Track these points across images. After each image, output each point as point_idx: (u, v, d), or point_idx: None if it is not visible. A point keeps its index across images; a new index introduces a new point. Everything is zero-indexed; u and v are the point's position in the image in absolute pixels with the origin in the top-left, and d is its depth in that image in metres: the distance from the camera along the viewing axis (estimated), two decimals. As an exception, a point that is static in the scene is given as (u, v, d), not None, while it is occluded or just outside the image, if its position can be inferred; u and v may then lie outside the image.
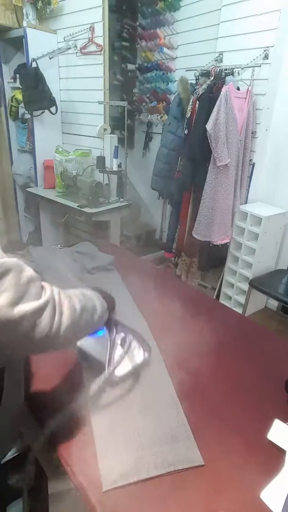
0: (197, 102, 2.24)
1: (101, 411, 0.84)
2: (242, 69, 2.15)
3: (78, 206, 2.59)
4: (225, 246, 2.48)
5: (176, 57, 2.97)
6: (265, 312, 2.67)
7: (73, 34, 2.66)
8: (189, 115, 2.32)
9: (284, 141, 2.32)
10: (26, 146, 3.26)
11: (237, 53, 2.28)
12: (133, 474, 0.70)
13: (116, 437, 0.78)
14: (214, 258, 2.61)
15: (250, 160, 2.39)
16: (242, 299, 2.48)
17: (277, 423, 0.82)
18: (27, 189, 3.10)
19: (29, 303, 0.56)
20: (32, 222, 3.66)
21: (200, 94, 2.24)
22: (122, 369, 0.90)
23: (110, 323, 0.91)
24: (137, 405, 0.86)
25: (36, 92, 2.67)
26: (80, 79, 2.82)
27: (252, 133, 2.32)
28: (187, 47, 2.85)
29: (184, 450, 0.75)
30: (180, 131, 2.47)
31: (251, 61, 2.16)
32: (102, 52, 2.56)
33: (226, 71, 2.22)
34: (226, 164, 2.16)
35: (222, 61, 2.38)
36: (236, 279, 2.51)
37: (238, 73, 2.17)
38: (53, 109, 2.77)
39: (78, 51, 2.70)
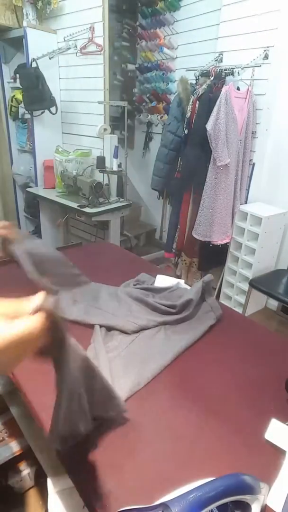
0: (197, 102, 2.25)
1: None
2: (242, 69, 2.16)
3: (78, 206, 2.59)
4: (225, 246, 2.48)
5: (176, 57, 2.98)
6: (265, 312, 2.67)
7: (73, 34, 2.66)
8: (189, 115, 2.32)
9: (284, 141, 2.33)
10: (26, 146, 3.27)
11: (237, 53, 2.28)
12: None
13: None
14: (214, 258, 2.61)
15: (250, 160, 2.40)
16: (242, 299, 2.48)
17: (274, 423, 0.82)
18: (27, 189, 3.10)
19: None
20: (32, 222, 3.66)
21: (200, 94, 2.24)
22: None
23: None
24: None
25: (36, 92, 2.67)
26: (80, 79, 2.82)
27: (252, 133, 2.32)
28: (187, 47, 2.85)
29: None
30: (180, 131, 2.47)
31: (251, 61, 2.16)
32: (102, 52, 2.56)
33: (226, 71, 2.22)
34: (226, 164, 2.16)
35: (222, 61, 2.38)
36: (236, 279, 2.51)
37: (238, 73, 2.17)
38: (53, 109, 2.77)
39: (78, 51, 2.70)
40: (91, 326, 1.16)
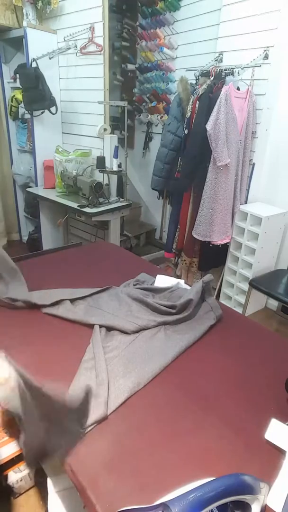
0: (197, 102, 2.25)
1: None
2: (242, 69, 2.16)
3: (78, 206, 2.59)
4: (225, 246, 2.48)
5: (176, 57, 2.98)
6: (265, 312, 2.67)
7: (73, 34, 2.66)
8: (189, 115, 2.32)
9: (284, 141, 2.32)
10: (26, 146, 3.26)
11: (237, 53, 2.28)
12: None
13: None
14: (214, 258, 2.61)
15: (250, 160, 2.39)
16: (242, 299, 2.48)
17: (274, 423, 0.82)
18: (27, 189, 3.10)
19: None
20: (32, 222, 3.66)
21: (200, 94, 2.24)
22: None
23: None
24: None
25: (36, 92, 2.67)
26: (80, 79, 2.82)
27: (252, 133, 2.32)
28: (187, 47, 2.85)
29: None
30: (180, 131, 2.47)
31: (251, 61, 2.16)
32: (102, 52, 2.56)
33: (226, 71, 2.22)
34: (226, 164, 2.16)
35: (222, 61, 2.38)
36: (236, 279, 2.51)
37: (238, 73, 2.17)
38: (53, 109, 2.77)
39: (78, 51, 2.70)
40: (91, 326, 1.16)
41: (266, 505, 0.66)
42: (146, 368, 0.98)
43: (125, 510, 0.62)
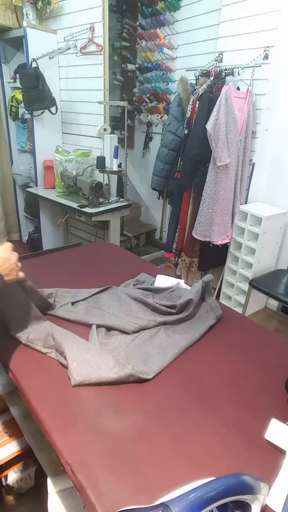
0: (197, 102, 2.25)
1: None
2: (242, 69, 2.16)
3: (78, 206, 2.59)
4: (225, 246, 2.48)
5: (176, 57, 2.98)
6: (265, 312, 2.67)
7: (73, 34, 2.66)
8: (189, 115, 2.32)
9: (284, 141, 2.32)
10: (26, 146, 3.27)
11: (237, 53, 2.28)
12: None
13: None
14: (214, 258, 2.61)
15: (250, 160, 2.39)
16: (242, 299, 2.48)
17: (274, 423, 0.82)
18: (27, 189, 3.10)
19: None
20: (32, 222, 3.66)
21: (200, 94, 2.24)
22: None
23: None
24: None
25: (36, 92, 2.67)
26: (80, 79, 2.82)
27: (252, 133, 2.32)
28: (187, 47, 2.85)
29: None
30: (180, 131, 2.47)
31: (251, 61, 2.16)
32: (102, 52, 2.56)
33: (226, 71, 2.22)
34: (226, 164, 2.16)
35: (222, 61, 2.39)
36: (236, 279, 2.51)
37: (238, 73, 2.17)
38: (53, 109, 2.77)
39: (78, 51, 2.70)
40: (91, 326, 1.16)
41: (266, 505, 0.66)
42: (145, 368, 0.98)
43: (125, 510, 0.62)
